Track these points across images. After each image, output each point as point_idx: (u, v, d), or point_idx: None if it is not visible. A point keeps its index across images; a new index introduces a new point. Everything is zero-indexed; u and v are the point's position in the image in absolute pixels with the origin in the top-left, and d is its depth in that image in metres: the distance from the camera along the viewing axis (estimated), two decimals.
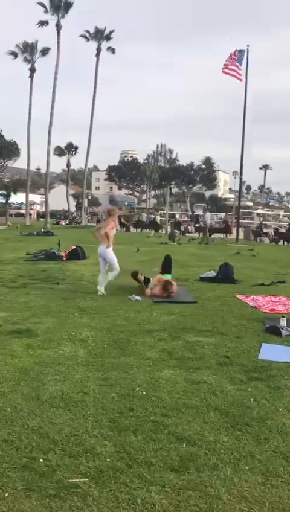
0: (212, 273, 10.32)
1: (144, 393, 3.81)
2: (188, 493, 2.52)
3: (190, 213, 46.38)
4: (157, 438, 3.09)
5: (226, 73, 23.01)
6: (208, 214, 26.18)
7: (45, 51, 41.47)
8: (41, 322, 6.13)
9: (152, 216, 41.91)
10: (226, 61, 22.84)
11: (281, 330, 5.73)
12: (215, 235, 30.57)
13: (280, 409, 3.56)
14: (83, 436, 3.10)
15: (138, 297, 7.83)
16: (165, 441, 3.06)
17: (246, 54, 22.81)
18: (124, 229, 36.20)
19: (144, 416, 3.39)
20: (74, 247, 14.67)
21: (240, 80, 23.34)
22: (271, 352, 4.98)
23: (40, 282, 9.62)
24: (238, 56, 22.66)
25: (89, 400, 3.65)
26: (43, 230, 28.47)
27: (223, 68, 22.95)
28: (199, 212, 65.34)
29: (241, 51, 22.74)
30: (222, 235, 30.35)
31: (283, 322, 5.97)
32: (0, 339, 5.27)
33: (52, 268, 11.79)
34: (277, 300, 8.06)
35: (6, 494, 2.48)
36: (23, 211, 55.28)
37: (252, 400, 3.73)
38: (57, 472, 2.69)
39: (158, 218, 38.77)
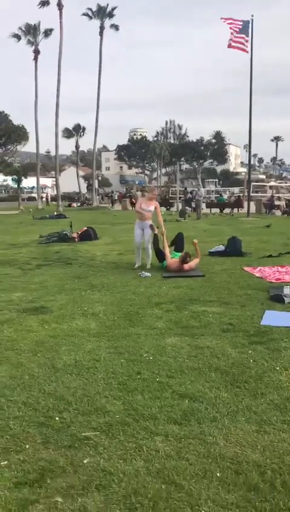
0: (221, 248, 10.52)
1: (151, 358, 4.10)
2: (188, 441, 2.81)
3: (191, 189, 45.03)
4: (162, 396, 3.38)
5: (233, 47, 22.74)
6: (202, 190, 26.63)
7: (47, 32, 41.34)
8: (55, 299, 6.44)
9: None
10: (231, 34, 22.51)
11: (284, 298, 5.95)
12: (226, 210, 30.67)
13: (277, 368, 3.82)
14: (94, 397, 3.41)
15: (147, 274, 8.10)
16: (170, 398, 3.35)
17: (250, 25, 22.47)
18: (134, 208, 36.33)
19: (150, 378, 3.68)
20: (85, 228, 14.95)
21: (247, 51, 23.05)
22: (273, 318, 5.22)
23: (53, 263, 9.95)
24: (243, 26, 22.30)
25: (100, 366, 3.96)
26: (55, 213, 28.82)
27: (229, 43, 22.68)
28: (211, 187, 64.91)
29: (246, 22, 22.38)
30: (229, 210, 30.41)
31: (287, 290, 6.18)
32: (17, 317, 5.60)
33: (65, 250, 12.11)
34: (284, 270, 8.25)
35: (27, 446, 2.80)
36: (34, 195, 55.67)
37: (251, 360, 3.99)
38: (71, 427, 3.00)
39: None
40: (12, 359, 4.19)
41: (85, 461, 2.63)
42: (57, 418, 3.11)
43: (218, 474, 2.48)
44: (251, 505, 2.24)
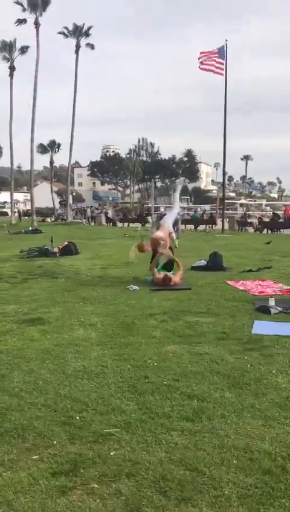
0: (203, 262, 10.91)
1: (155, 364, 4.37)
2: (203, 434, 3.09)
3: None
4: (172, 397, 3.66)
5: (203, 69, 23.65)
6: (179, 209, 27.39)
7: (24, 49, 41.52)
8: (50, 311, 6.64)
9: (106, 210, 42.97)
10: (203, 57, 23.42)
11: (270, 309, 6.33)
12: (200, 227, 31.35)
13: (273, 371, 4.15)
14: (108, 399, 3.65)
15: (135, 287, 8.37)
16: (179, 399, 3.63)
17: (225, 49, 23.41)
18: (111, 224, 36.75)
19: (158, 382, 3.95)
20: (66, 243, 15.14)
21: (221, 74, 23.95)
22: (263, 327, 5.58)
23: (39, 277, 10.11)
24: (219, 52, 23.24)
25: (108, 372, 4.21)
26: (30, 228, 28.81)
27: (199, 64, 23.59)
28: (184, 204, 65.90)
29: (221, 47, 23.33)
30: (205, 227, 31.12)
31: (272, 302, 6.57)
32: (17, 327, 5.78)
33: (48, 264, 12.26)
34: (265, 284, 8.67)
35: (55, 442, 3.02)
36: (6, 210, 55.37)
37: (249, 365, 4.31)
38: (92, 425, 3.24)
39: (110, 213, 40.00)
40: (22, 366, 4.39)
41: (112, 453, 2.88)
42: (77, 418, 3.34)
43: (234, 462, 2.76)
44: (267, 485, 2.53)
